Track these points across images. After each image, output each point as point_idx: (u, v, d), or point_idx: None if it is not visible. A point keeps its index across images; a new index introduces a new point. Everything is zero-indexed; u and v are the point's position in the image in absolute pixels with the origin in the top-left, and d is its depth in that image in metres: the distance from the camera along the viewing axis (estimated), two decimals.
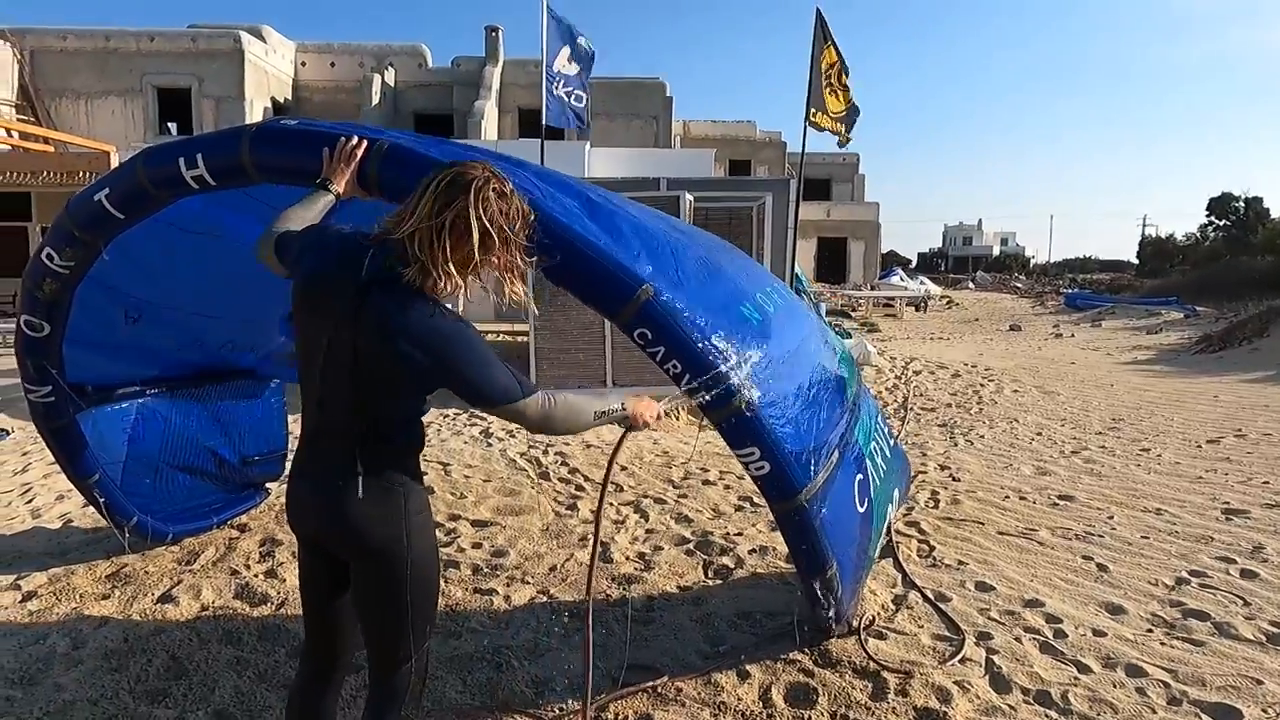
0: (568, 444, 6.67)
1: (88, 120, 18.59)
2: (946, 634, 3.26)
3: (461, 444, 6.63)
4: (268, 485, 4.79)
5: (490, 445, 6.59)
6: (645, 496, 5.20)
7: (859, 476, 3.30)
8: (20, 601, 3.53)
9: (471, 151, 2.44)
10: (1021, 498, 5.23)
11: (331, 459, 1.79)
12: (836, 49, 9.83)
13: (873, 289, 28.73)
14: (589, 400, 1.95)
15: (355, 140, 2.27)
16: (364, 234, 1.79)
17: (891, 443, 4.21)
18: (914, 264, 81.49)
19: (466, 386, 1.73)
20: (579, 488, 5.41)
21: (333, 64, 21.99)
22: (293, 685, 2.07)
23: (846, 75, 9.87)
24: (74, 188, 13.40)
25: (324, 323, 1.73)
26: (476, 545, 4.27)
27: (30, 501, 5.05)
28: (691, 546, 4.29)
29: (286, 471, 2.00)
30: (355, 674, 2.60)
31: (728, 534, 4.46)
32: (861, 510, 3.26)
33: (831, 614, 2.95)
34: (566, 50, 9.48)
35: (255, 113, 19.56)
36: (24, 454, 6.27)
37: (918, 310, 26.50)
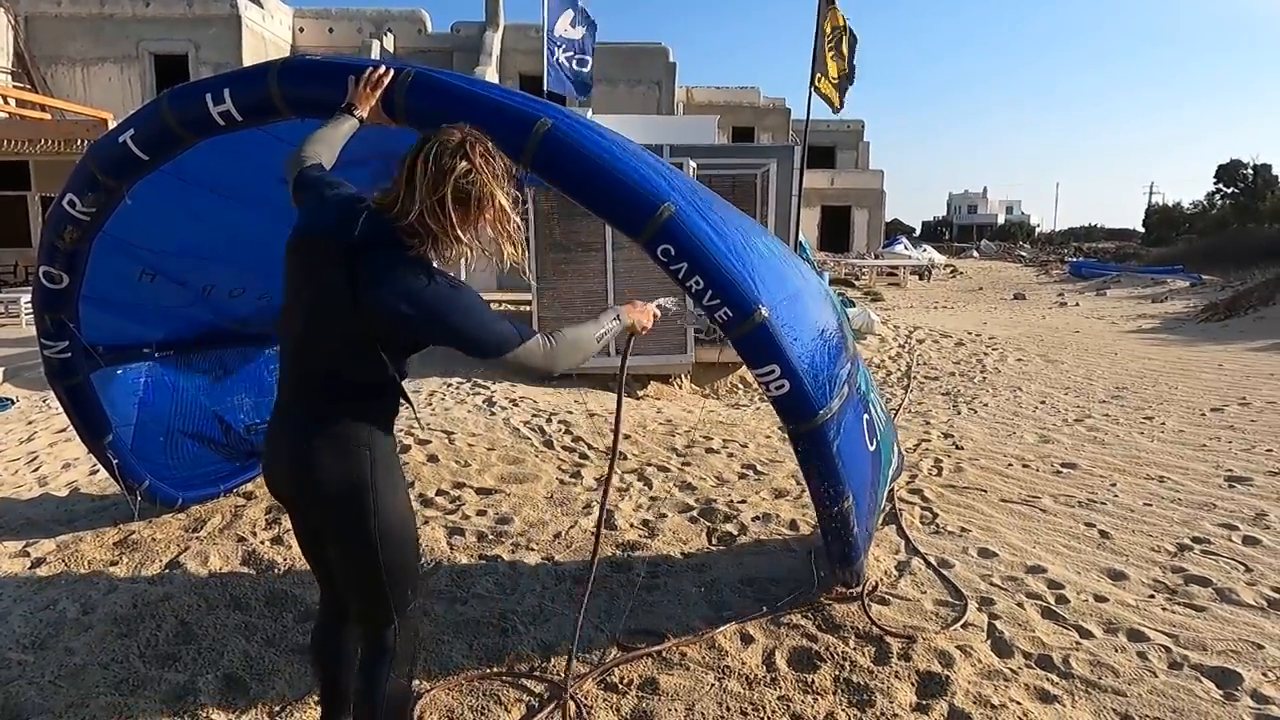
0: (571, 413, 6.68)
1: (84, 88, 18.39)
2: (949, 599, 3.28)
3: (465, 413, 6.64)
4: None
5: (494, 414, 6.60)
6: (649, 464, 5.21)
7: (866, 416, 3.34)
8: (29, 568, 3.56)
9: (494, 87, 2.44)
10: (1024, 465, 5.24)
11: (301, 416, 1.83)
12: (836, 13, 9.66)
13: (876, 258, 28.59)
14: (587, 327, 1.99)
15: (382, 69, 2.28)
16: (362, 198, 1.81)
17: (885, 413, 4.23)
18: (918, 233, 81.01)
19: (467, 342, 1.75)
20: (583, 456, 5.42)
21: (331, 29, 21.69)
22: (315, 624, 2.14)
23: (852, 39, 9.72)
24: (73, 156, 13.31)
25: (311, 277, 1.76)
26: (481, 513, 4.29)
27: (36, 470, 5.07)
28: (695, 514, 4.31)
29: None
30: None
31: (731, 501, 4.48)
32: (870, 449, 3.30)
33: (848, 556, 2.98)
34: (569, 14, 9.34)
35: None
36: (29, 423, 6.29)
37: (921, 279, 26.37)
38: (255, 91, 2.49)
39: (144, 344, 3.96)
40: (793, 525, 4.13)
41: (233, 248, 3.73)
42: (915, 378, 8.83)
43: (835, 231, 33.49)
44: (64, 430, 6.03)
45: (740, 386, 8.97)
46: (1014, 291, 21.71)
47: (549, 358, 1.83)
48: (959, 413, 6.94)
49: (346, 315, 1.70)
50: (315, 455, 1.78)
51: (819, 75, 9.51)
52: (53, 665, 2.75)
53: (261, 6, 19.94)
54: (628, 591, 3.37)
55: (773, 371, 2.57)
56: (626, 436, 5.95)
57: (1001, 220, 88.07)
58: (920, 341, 11.43)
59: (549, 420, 6.38)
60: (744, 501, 4.49)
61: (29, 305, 11.11)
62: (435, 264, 1.75)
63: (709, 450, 5.61)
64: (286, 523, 4.04)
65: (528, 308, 9.86)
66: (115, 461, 3.76)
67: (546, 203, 8.03)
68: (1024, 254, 44.64)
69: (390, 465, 1.87)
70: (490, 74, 20.24)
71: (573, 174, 2.40)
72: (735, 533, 4.05)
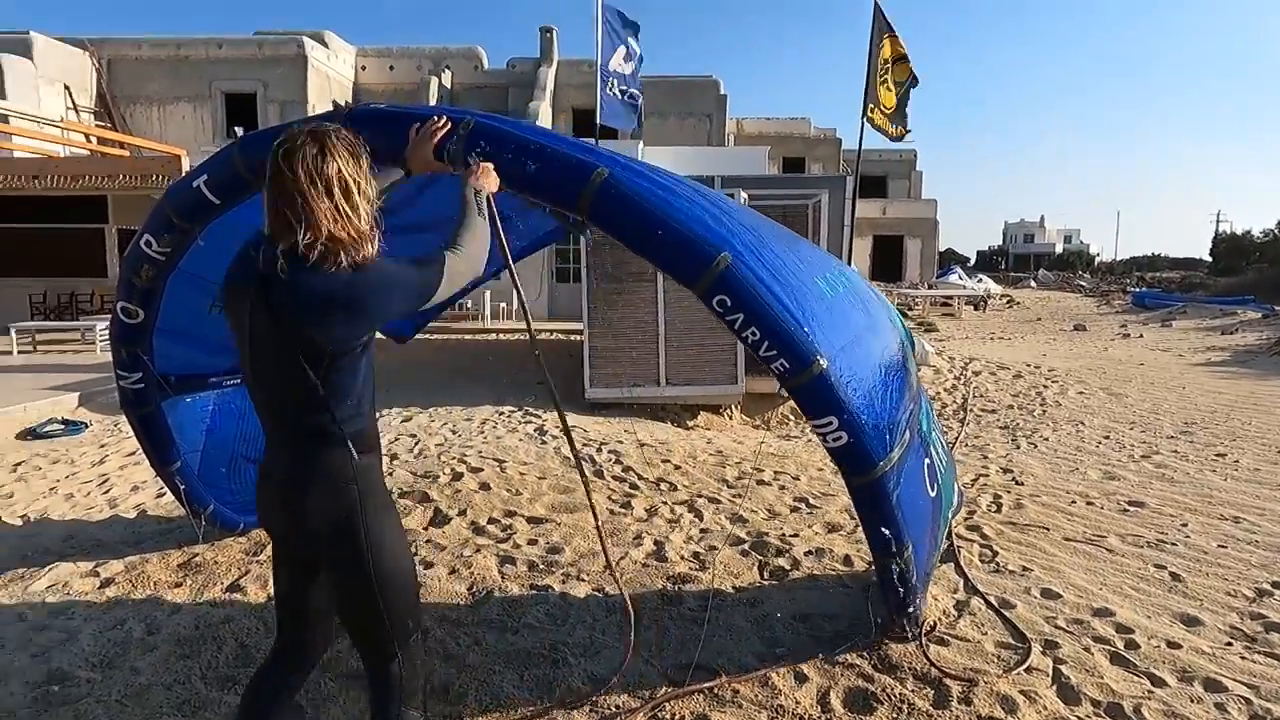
0: (621, 442, 6.69)
1: (160, 125, 19.30)
2: (1011, 642, 3.17)
3: (516, 441, 6.69)
4: None
5: (545, 443, 6.64)
6: (699, 496, 5.18)
7: (926, 460, 3.26)
8: (99, 588, 3.68)
9: (551, 135, 2.48)
10: (1089, 503, 5.07)
11: (282, 458, 1.83)
12: (897, 40, 9.64)
13: (930, 288, 28.16)
14: (467, 217, 2.01)
15: (441, 120, 2.33)
16: (257, 237, 1.79)
17: (944, 443, 4.14)
18: (973, 262, 79.60)
19: (412, 306, 1.85)
20: (632, 486, 5.41)
21: (391, 67, 22.43)
22: (257, 670, 2.07)
23: (909, 68, 9.68)
24: (148, 190, 13.92)
25: (241, 323, 1.77)
26: (532, 542, 4.30)
27: (108, 492, 5.26)
28: (747, 547, 4.26)
29: None
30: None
31: (783, 535, 4.42)
32: (931, 495, 3.22)
33: (906, 603, 2.90)
34: (622, 49, 9.50)
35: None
36: (101, 446, 6.53)
37: (977, 309, 25.87)
38: None
39: (211, 373, 4.08)
40: (847, 561, 4.05)
41: None
42: (972, 410, 8.63)
43: (887, 261, 33.15)
44: (133, 454, 6.25)
45: (791, 418, 8.87)
46: (1074, 322, 21.15)
47: (467, 259, 1.91)
48: (1018, 447, 6.75)
49: (284, 348, 1.71)
50: (303, 497, 1.79)
51: (872, 106, 9.49)
52: (119, 684, 2.82)
53: (326, 46, 20.73)
54: (678, 624, 3.34)
55: (830, 423, 2.52)
56: (677, 467, 5.93)
57: (1059, 249, 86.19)
58: (976, 373, 11.19)
59: (599, 449, 6.40)
60: (796, 535, 4.42)
61: (104, 333, 11.62)
62: (340, 262, 1.70)
63: (760, 482, 5.55)
64: None
65: (578, 337, 9.95)
66: (182, 487, 3.87)
67: (597, 234, 8.12)
68: (1084, 284, 43.53)
69: (380, 496, 1.86)
70: (544, 108, 20.66)
71: (628, 224, 2.41)
72: (788, 567, 3.99)
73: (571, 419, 7.68)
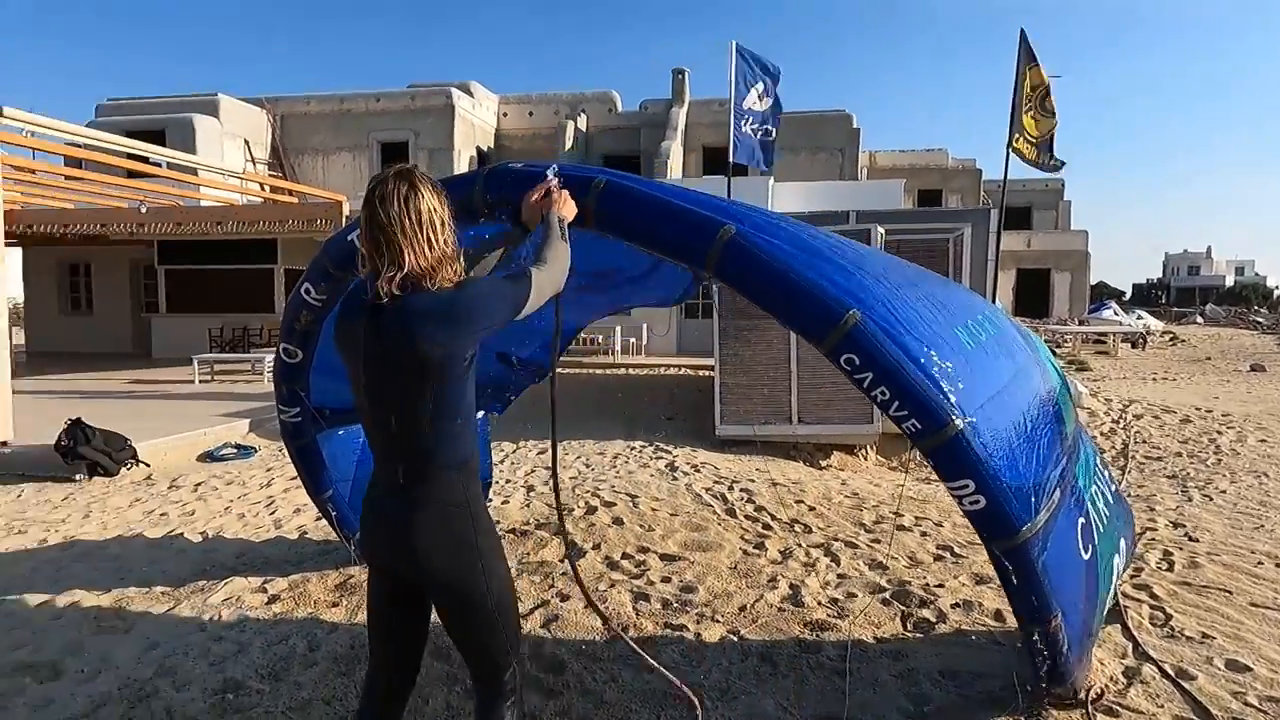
0: (753, 480, 6.61)
1: (324, 173, 20.98)
2: (1192, 718, 2.88)
3: (648, 476, 6.74)
4: None
5: (676, 479, 6.65)
6: (835, 539, 5.03)
7: (1081, 520, 3.03)
8: (266, 603, 3.95)
9: (679, 192, 2.51)
10: (1278, 564, 4.56)
11: (394, 484, 1.88)
12: (1038, 71, 9.24)
13: (1081, 324, 26.41)
14: (549, 244, 2.11)
15: (553, 180, 2.41)
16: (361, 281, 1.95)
17: (1113, 489, 3.83)
18: (1128, 296, 74.23)
19: (506, 320, 1.89)
20: (766, 526, 5.32)
21: (530, 113, 23.50)
22: (359, 709, 2.11)
23: (1049, 97, 9.25)
24: (312, 233, 15.09)
25: (354, 353, 1.87)
26: (665, 579, 4.30)
27: (274, 513, 5.67)
28: (888, 595, 4.09)
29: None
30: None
31: (927, 585, 4.21)
32: (1086, 558, 2.98)
33: (1057, 674, 2.69)
34: (760, 86, 9.57)
35: (462, 161, 21.25)
36: (268, 470, 7.06)
37: (1134, 347, 23.99)
38: (463, 196, 2.68)
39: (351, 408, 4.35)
40: (998, 616, 3.81)
41: None
42: (1134, 457, 7.99)
43: (1032, 296, 31.40)
44: (294, 479, 6.71)
45: None
46: (1250, 362, 19.25)
47: (550, 276, 1.99)
48: (1189, 499, 6.18)
49: (396, 370, 1.80)
50: (418, 526, 1.84)
51: (1017, 135, 9.09)
52: (285, 697, 3.01)
53: (471, 95, 21.97)
54: (817, 674, 3.23)
55: (967, 486, 2.38)
56: (811, 509, 5.79)
57: (1230, 282, 79.03)
58: (1138, 416, 10.36)
59: (730, 488, 6.34)
60: (941, 586, 4.20)
61: (271, 364, 12.65)
62: (437, 283, 1.83)
63: (900, 528, 5.33)
64: None
65: (708, 373, 9.94)
66: (334, 514, 4.12)
67: None
68: (1261, 319, 39.63)
69: (486, 518, 1.94)
70: (675, 148, 21.01)
71: (754, 281, 2.38)
72: (933, 619, 3.79)
73: (702, 456, 7.67)
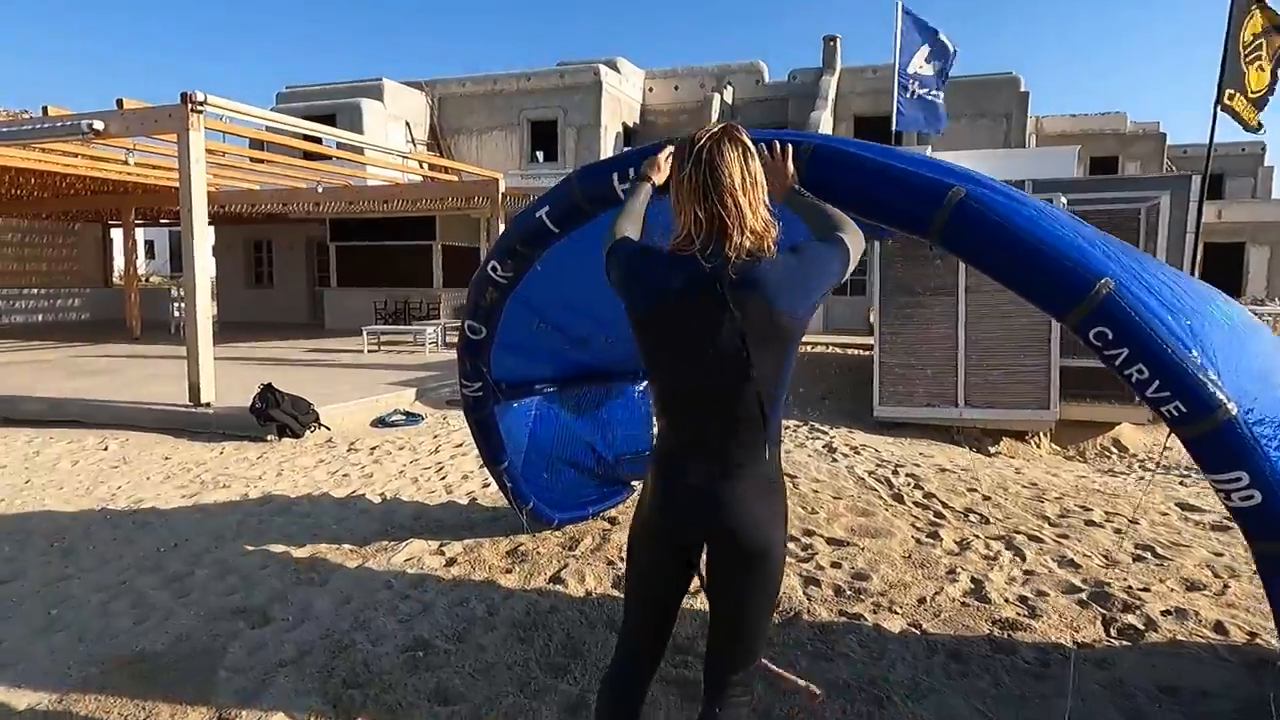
0: (918, 465, 6.30)
1: (477, 152, 21.72)
2: None
3: (805, 457, 6.56)
4: (632, 483, 5.11)
5: (836, 460, 6.44)
6: (1016, 532, 4.69)
7: None
8: (445, 565, 4.11)
9: (894, 154, 2.33)
10: None
11: (726, 459, 1.79)
12: (1269, 11, 8.16)
13: None
14: (830, 211, 1.99)
15: (781, 149, 2.26)
16: (664, 248, 1.86)
17: None
18: None
19: (832, 279, 1.83)
20: (937, 515, 5.04)
21: (676, 87, 23.34)
22: (610, 677, 2.04)
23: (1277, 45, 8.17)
24: (468, 210, 15.65)
25: (699, 332, 1.75)
26: (835, 565, 4.14)
27: (444, 478, 5.92)
28: (1084, 597, 3.76)
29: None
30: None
31: (1129, 588, 3.84)
32: None
33: None
34: (925, 49, 9.02)
35: (609, 138, 21.43)
36: (434, 436, 7.39)
37: None
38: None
39: (535, 381, 4.41)
40: (1219, 628, 3.42)
41: (605, 306, 4.04)
42: None
43: (1223, 272, 28.34)
44: (460, 445, 7.00)
45: (1114, 451, 7.85)
46: None
47: (856, 237, 1.91)
48: None
49: (739, 340, 1.72)
50: (743, 501, 1.77)
51: (1230, 91, 8.11)
52: (470, 659, 3.11)
53: (619, 71, 22.07)
54: (1013, 677, 3.01)
55: (1238, 480, 2.06)
56: (986, 498, 5.45)
57: None
58: None
59: (895, 472, 6.07)
60: (1146, 590, 3.83)
61: (433, 336, 13.27)
62: (771, 248, 1.77)
63: (1089, 523, 4.92)
64: None
65: (867, 353, 9.58)
66: (509, 485, 4.22)
67: (891, 243, 7.74)
68: None
69: (786, 502, 1.89)
70: (825, 118, 20.31)
71: (988, 247, 2.15)
72: (1141, 626, 3.45)
73: (860, 438, 7.40)
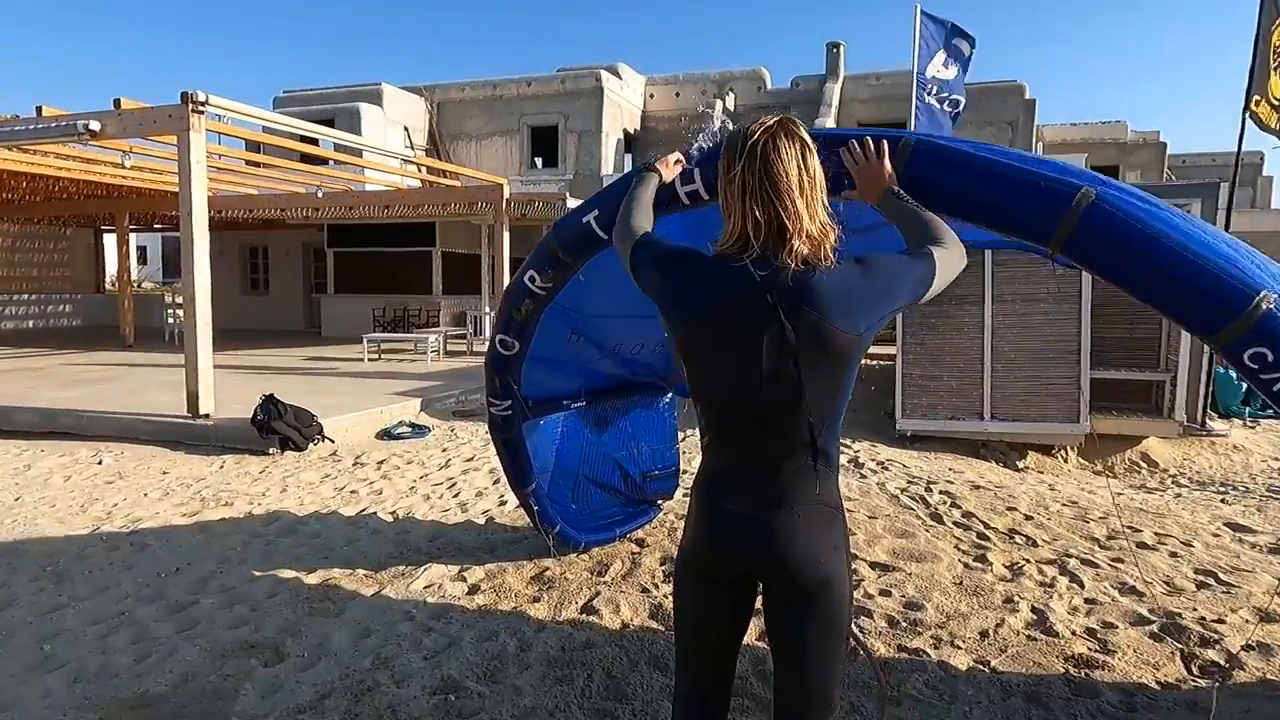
0: (951, 482, 6.05)
1: (476, 158, 21.47)
2: None
3: None
4: (659, 502, 4.85)
5: (865, 476, 6.19)
6: (1068, 555, 4.45)
7: None
8: (467, 593, 3.84)
9: (1006, 152, 2.07)
10: None
11: (775, 485, 1.61)
12: None
13: None
14: (930, 219, 1.81)
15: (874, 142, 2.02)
16: (705, 254, 1.68)
17: None
18: None
19: (909, 296, 1.65)
20: (981, 536, 4.79)
21: (677, 94, 23.14)
22: None
23: None
24: (468, 217, 15.38)
25: (746, 346, 1.58)
26: (884, 593, 3.89)
27: (457, 495, 5.65)
28: (1156, 629, 3.51)
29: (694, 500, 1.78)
30: None
31: (1202, 619, 3.60)
32: None
33: None
34: (942, 53, 8.82)
35: (610, 144, 21.20)
36: (443, 450, 7.11)
37: None
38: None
39: (564, 396, 4.15)
40: None
41: (641, 308, 3.79)
42: None
43: None
44: (471, 459, 6.73)
45: (1143, 465, 7.62)
46: None
47: (956, 251, 1.73)
48: None
49: (797, 354, 1.55)
50: (801, 531, 1.59)
51: (1258, 98, 7.93)
52: (507, 703, 2.84)
53: (620, 77, 21.87)
54: None
55: None
56: (1028, 517, 5.20)
57: None
58: None
59: (928, 489, 5.82)
60: (1221, 621, 3.58)
61: (434, 345, 12.98)
62: (832, 257, 1.59)
63: (1140, 545, 4.68)
64: None
65: (888, 363, 9.34)
66: (536, 508, 3.96)
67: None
68: None
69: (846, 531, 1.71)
70: (829, 125, 20.15)
71: (1123, 257, 1.88)
72: (1223, 663, 3.21)
73: (885, 452, 7.16)
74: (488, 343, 3.48)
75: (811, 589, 1.61)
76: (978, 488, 5.92)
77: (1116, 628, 3.53)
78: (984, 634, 3.46)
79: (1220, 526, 5.14)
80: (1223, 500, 6.12)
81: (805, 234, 1.55)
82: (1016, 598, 3.84)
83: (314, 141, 13.25)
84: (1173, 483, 7.06)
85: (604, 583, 3.95)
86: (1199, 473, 7.41)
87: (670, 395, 4.78)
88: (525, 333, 3.25)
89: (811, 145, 1.61)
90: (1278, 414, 9.43)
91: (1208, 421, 8.02)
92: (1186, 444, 7.92)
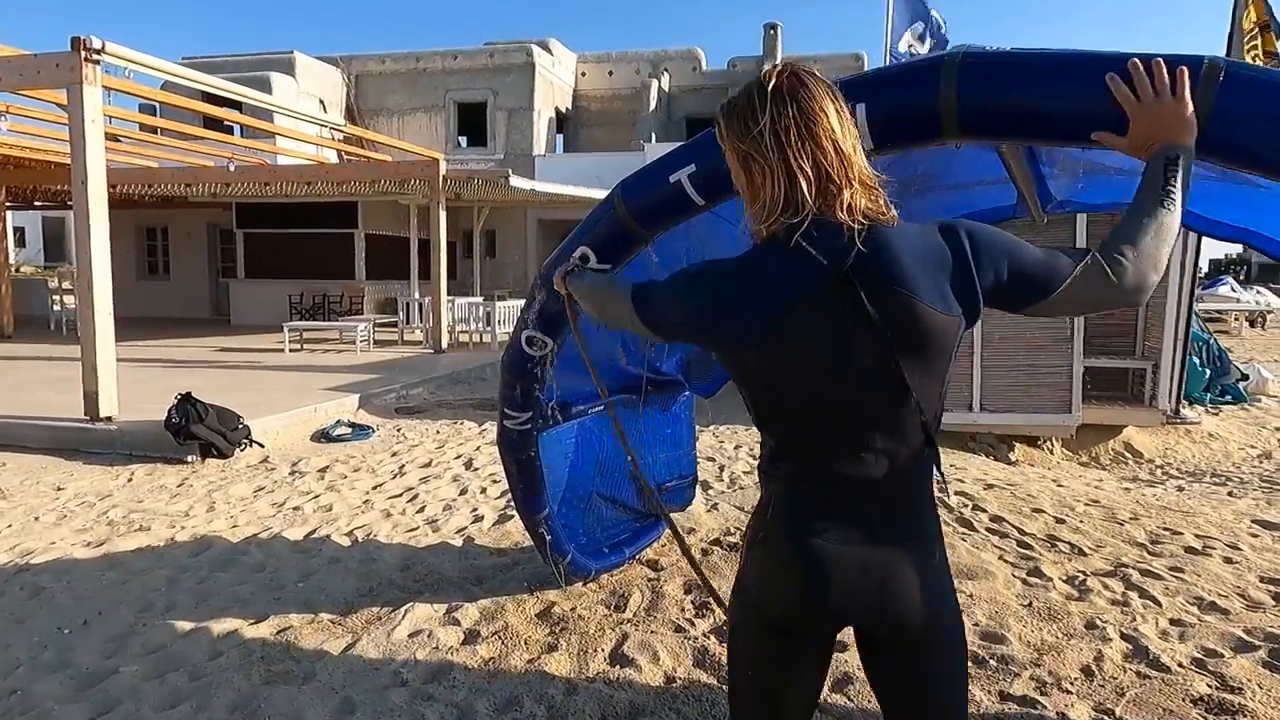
0: (961, 481, 5.63)
1: (399, 134, 20.21)
2: None
3: None
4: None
5: None
6: (1122, 565, 4.04)
7: None
8: (464, 641, 3.13)
9: None
10: None
11: (877, 514, 1.34)
12: (1261, 4, 7.94)
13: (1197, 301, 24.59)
14: (1155, 213, 1.30)
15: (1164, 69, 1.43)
16: (729, 260, 1.38)
17: None
18: (1204, 271, 70.81)
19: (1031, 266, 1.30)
20: (1022, 544, 4.35)
21: (610, 72, 22.37)
22: None
23: (1274, 39, 7.94)
24: (395, 196, 14.31)
25: (829, 353, 1.29)
26: None
27: (420, 510, 4.88)
28: (1265, 655, 3.10)
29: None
30: None
31: None
32: None
33: None
34: (918, 26, 8.42)
35: (542, 121, 20.30)
36: (393, 454, 6.30)
37: (1253, 326, 22.36)
38: (917, 97, 1.78)
39: (580, 401, 3.48)
40: None
41: None
42: None
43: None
44: (429, 465, 5.95)
45: (1128, 456, 7.43)
46: None
47: (1154, 264, 1.28)
48: None
49: (885, 346, 1.26)
50: (909, 566, 1.32)
51: None
52: None
53: (551, 53, 20.98)
54: None
55: None
56: (1060, 520, 4.79)
57: None
58: None
59: (942, 489, 5.37)
60: None
61: (364, 334, 11.95)
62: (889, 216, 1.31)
63: (1187, 549, 4.32)
64: (719, 612, 3.36)
65: None
66: (548, 538, 3.28)
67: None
68: None
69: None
70: None
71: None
72: None
73: None
74: (507, 342, 2.77)
75: (934, 633, 1.36)
76: (990, 486, 5.51)
77: (1223, 656, 3.10)
78: (1087, 672, 2.97)
79: (1251, 524, 4.85)
80: (1229, 494, 5.91)
81: (860, 179, 1.28)
82: (1098, 621, 3.38)
83: (236, 105, 11.90)
84: (1164, 474, 6.87)
85: (628, 621, 3.30)
86: (1184, 463, 7.26)
87: (687, 393, 4.14)
88: (561, 329, 2.56)
89: (840, 96, 1.32)
90: (1234, 400, 9.50)
91: (1181, 409, 7.91)
92: (1164, 433, 7.79)
